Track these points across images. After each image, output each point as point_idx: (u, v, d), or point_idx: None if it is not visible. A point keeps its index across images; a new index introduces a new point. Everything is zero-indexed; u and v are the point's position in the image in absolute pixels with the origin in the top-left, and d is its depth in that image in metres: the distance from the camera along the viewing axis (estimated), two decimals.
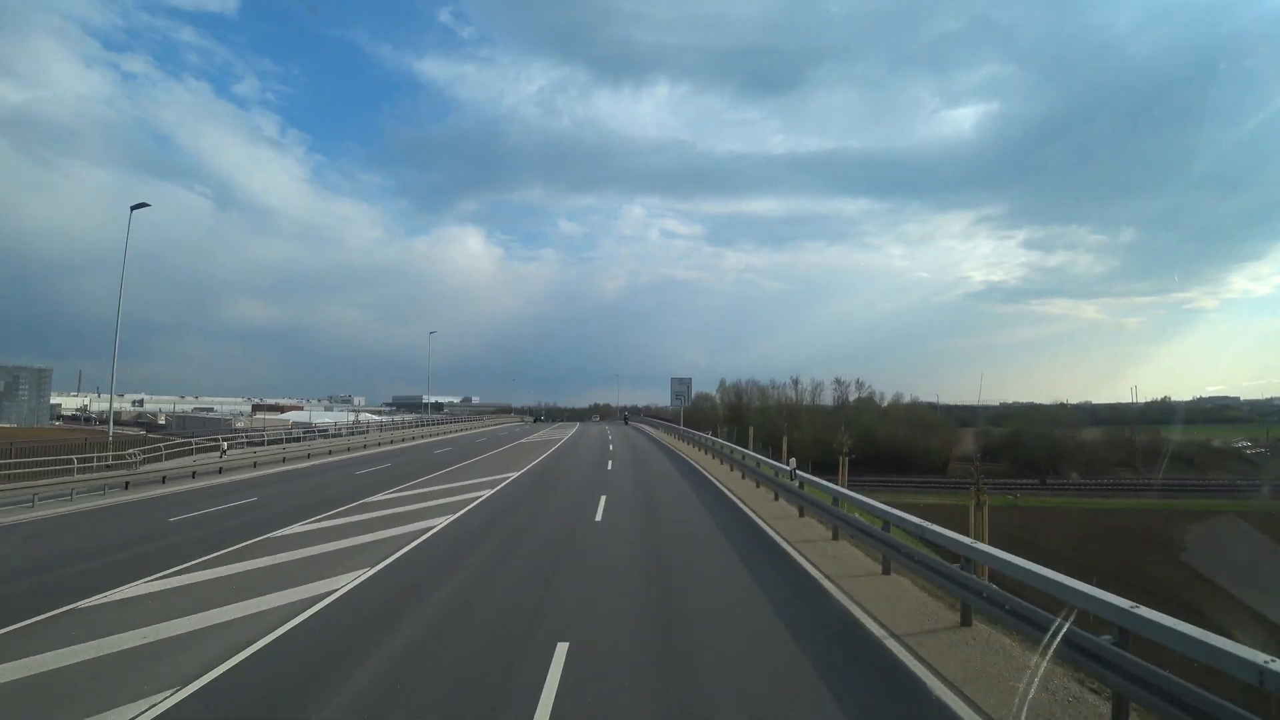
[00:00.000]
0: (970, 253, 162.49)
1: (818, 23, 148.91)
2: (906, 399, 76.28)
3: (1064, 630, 5.30)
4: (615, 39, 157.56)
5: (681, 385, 57.09)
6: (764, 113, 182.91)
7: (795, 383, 78.44)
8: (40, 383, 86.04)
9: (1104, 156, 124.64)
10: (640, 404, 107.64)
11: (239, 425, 44.55)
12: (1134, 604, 4.99)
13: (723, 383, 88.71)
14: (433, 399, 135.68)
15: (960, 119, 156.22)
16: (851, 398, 77.20)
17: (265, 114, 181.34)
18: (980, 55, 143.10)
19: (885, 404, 75.84)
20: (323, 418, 56.28)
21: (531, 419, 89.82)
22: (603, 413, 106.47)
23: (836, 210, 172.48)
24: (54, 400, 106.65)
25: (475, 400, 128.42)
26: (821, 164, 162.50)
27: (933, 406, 76.97)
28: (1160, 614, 4.73)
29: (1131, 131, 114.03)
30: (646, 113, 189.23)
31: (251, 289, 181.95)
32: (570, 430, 55.40)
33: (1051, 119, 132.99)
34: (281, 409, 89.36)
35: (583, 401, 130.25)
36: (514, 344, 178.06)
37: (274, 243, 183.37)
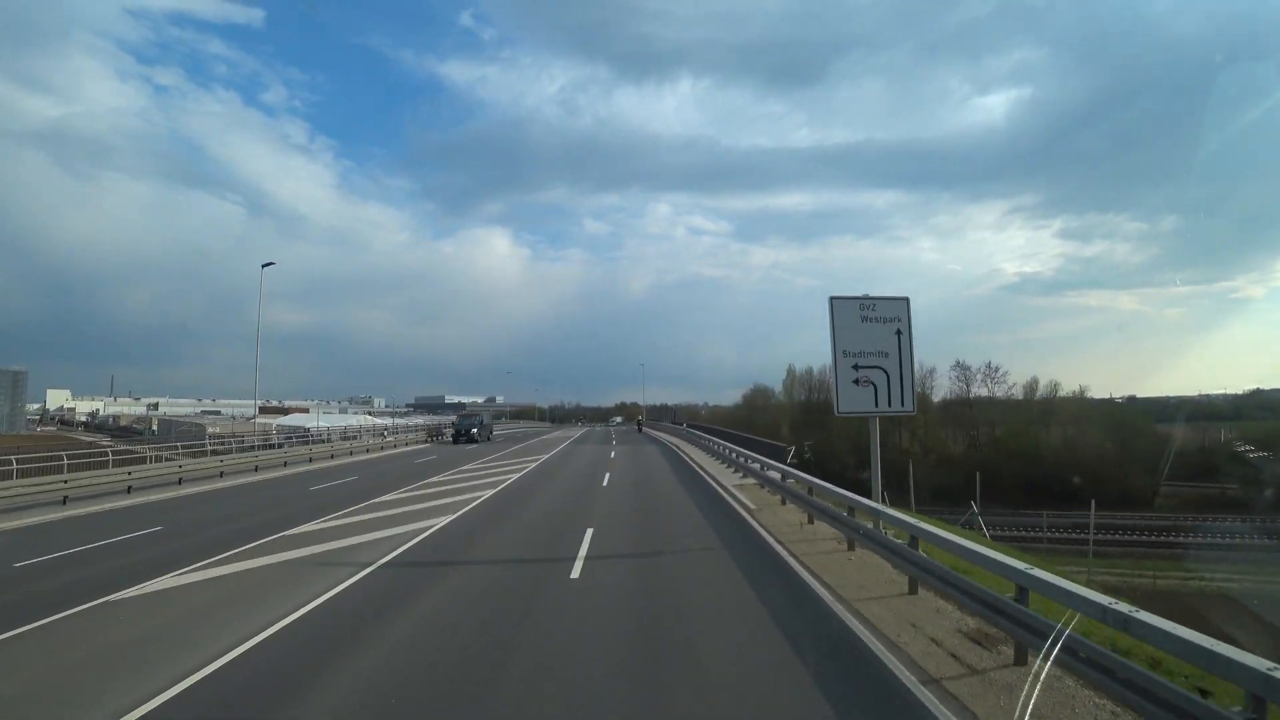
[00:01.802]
0: (1003, 244, 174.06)
1: (841, 12, 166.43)
2: (1065, 391, 63.71)
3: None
4: (636, 36, 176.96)
5: (893, 317, 13.18)
6: (789, 106, 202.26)
7: None
8: (15, 386, 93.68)
9: (1143, 141, 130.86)
10: (671, 403, 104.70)
11: (212, 431, 46.75)
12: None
13: (790, 371, 75.66)
14: (457, 399, 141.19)
15: (991, 106, 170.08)
16: (978, 390, 66.48)
17: (293, 121, 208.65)
18: (1011, 39, 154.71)
19: (1038, 396, 63.75)
20: (312, 422, 58.54)
21: (452, 433, 47.60)
22: (628, 414, 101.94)
23: (865, 204, 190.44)
24: (71, 404, 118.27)
25: (500, 400, 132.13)
26: (849, 157, 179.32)
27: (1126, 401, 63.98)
28: None
29: (1172, 114, 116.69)
30: (669, 109, 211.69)
31: (282, 294, 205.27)
32: (512, 476, 24.05)
33: (1087, 103, 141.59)
34: (286, 411, 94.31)
35: (610, 400, 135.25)
36: (541, 344, 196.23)
37: (304, 248, 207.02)
